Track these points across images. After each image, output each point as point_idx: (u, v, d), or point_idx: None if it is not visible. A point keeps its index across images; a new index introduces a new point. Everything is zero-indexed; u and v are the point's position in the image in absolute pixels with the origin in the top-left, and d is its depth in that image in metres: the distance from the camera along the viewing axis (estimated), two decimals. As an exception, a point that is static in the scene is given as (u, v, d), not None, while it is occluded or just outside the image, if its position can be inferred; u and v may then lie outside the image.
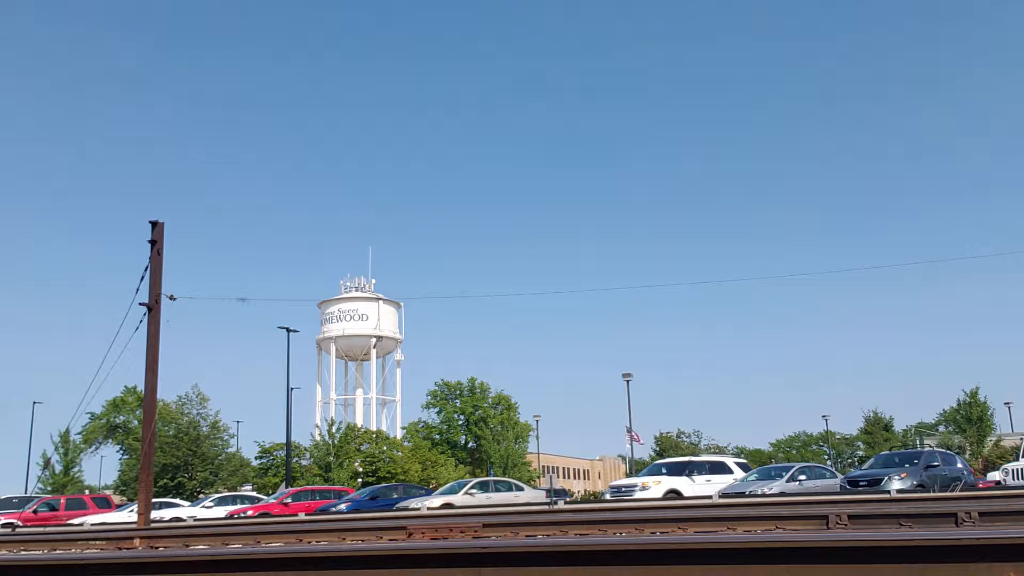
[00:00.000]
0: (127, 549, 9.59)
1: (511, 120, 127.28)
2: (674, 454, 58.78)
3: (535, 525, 9.77)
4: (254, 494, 40.09)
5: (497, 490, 29.43)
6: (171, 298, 23.87)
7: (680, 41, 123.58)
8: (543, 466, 71.01)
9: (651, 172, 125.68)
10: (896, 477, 21.53)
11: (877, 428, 71.38)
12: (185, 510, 32.70)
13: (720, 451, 64.16)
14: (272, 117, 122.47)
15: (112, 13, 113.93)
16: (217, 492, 42.72)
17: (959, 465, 24.84)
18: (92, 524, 25.43)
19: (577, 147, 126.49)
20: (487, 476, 45.92)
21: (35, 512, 31.27)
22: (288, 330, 42.57)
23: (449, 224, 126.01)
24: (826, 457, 75.93)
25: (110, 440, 57.92)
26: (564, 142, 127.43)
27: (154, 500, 24.66)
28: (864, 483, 22.12)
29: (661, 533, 8.06)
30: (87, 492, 48.44)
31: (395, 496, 29.53)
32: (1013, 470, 26.37)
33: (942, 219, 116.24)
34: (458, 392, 63.66)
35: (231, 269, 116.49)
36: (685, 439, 72.99)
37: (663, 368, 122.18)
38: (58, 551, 9.96)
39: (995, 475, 30.69)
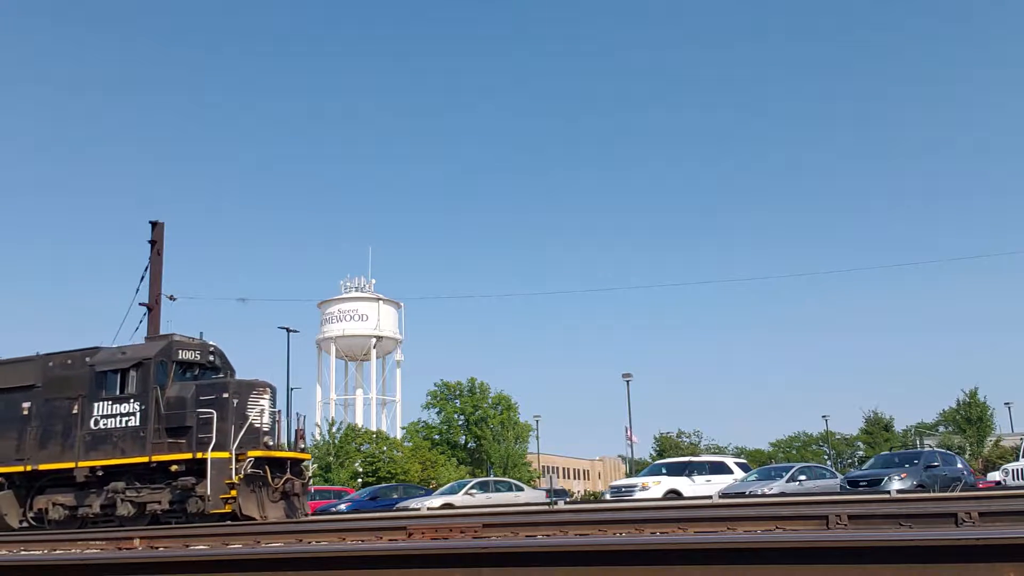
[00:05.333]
0: (127, 549, 9.59)
1: (511, 120, 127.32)
2: (674, 454, 58.71)
3: (535, 525, 9.76)
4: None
5: (497, 490, 29.40)
6: (171, 298, 23.91)
7: (680, 41, 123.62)
8: (543, 466, 70.98)
9: (652, 172, 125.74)
10: (896, 477, 21.53)
11: (877, 428, 71.28)
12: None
13: (720, 451, 64.07)
14: (272, 117, 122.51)
15: (112, 13, 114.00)
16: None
17: (959, 465, 24.84)
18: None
19: (577, 147, 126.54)
20: (487, 476, 45.89)
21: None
22: (288, 330, 42.57)
23: (449, 224, 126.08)
24: (826, 457, 75.83)
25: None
26: (564, 142, 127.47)
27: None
28: (864, 483, 22.12)
29: (661, 533, 8.06)
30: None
31: (395, 496, 29.51)
32: (1013, 470, 26.34)
33: (942, 219, 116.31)
34: (458, 392, 63.61)
35: (231, 269, 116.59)
36: (685, 439, 72.90)
37: (663, 368, 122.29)
38: (58, 551, 9.96)
39: (995, 475, 30.66)
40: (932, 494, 18.34)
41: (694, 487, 24.67)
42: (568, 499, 36.71)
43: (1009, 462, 31.14)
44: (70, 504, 17.78)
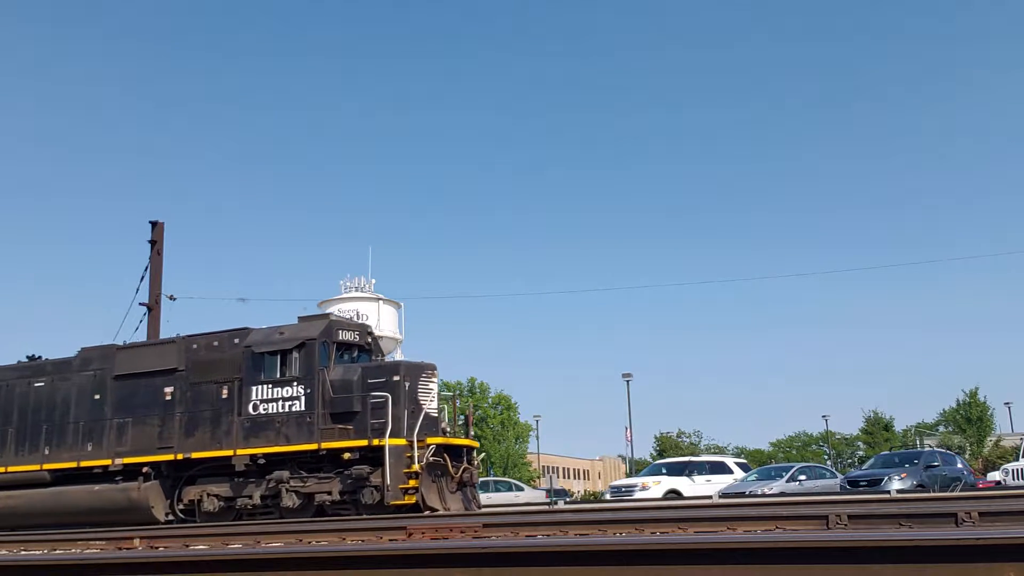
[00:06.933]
0: (127, 549, 9.59)
1: (511, 120, 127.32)
2: (674, 454, 58.70)
3: (535, 525, 9.75)
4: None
5: (497, 490, 29.40)
6: (171, 298, 23.94)
7: (680, 42, 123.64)
8: (543, 466, 70.97)
9: (651, 172, 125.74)
10: (896, 477, 21.54)
11: (877, 428, 71.30)
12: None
13: (720, 451, 64.09)
14: (273, 117, 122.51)
15: (112, 12, 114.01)
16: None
17: (959, 465, 24.86)
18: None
19: (577, 147, 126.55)
20: (487, 476, 45.85)
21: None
22: (288, 330, 42.33)
23: (449, 225, 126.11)
24: (826, 457, 75.85)
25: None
26: (564, 142, 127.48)
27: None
28: (864, 483, 22.13)
29: (661, 533, 8.05)
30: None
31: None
32: (1013, 470, 26.36)
33: (942, 219, 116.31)
34: (458, 392, 63.66)
35: (231, 269, 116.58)
36: (685, 439, 72.93)
37: (663, 368, 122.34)
38: (58, 551, 9.96)
39: (995, 475, 30.68)
40: (932, 494, 18.33)
41: (694, 487, 24.68)
42: (568, 499, 36.71)
43: (1009, 462, 31.15)
44: (226, 495, 16.75)
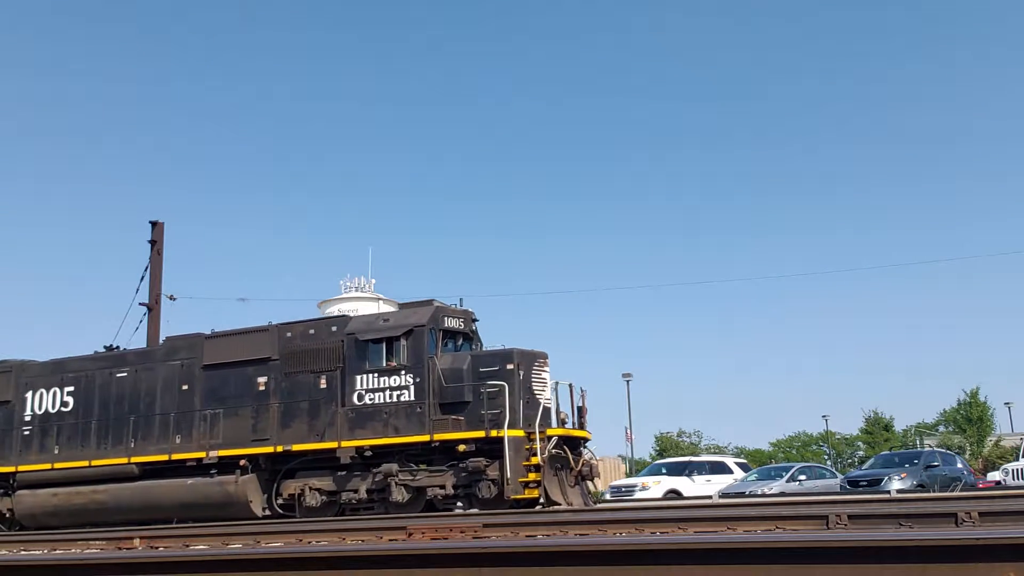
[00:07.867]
0: (127, 549, 9.60)
1: (511, 119, 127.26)
2: (674, 454, 58.63)
3: (535, 525, 9.77)
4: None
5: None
6: (171, 298, 23.95)
7: (678, 39, 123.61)
8: (543, 466, 70.77)
9: (651, 171, 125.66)
10: (896, 477, 21.55)
11: (877, 428, 71.25)
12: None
13: (720, 451, 64.00)
14: (272, 116, 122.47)
15: (112, 12, 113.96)
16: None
17: (959, 465, 24.89)
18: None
19: (577, 146, 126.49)
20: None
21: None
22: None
23: (449, 225, 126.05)
24: (826, 457, 75.78)
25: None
26: (565, 140, 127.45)
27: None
28: (864, 483, 22.14)
29: (661, 533, 8.06)
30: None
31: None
32: (1013, 470, 26.37)
33: (942, 219, 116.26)
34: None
35: (231, 269, 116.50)
36: (685, 439, 72.85)
37: (663, 368, 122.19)
38: (58, 551, 9.96)
39: (995, 475, 30.68)
40: (932, 494, 18.34)
41: (694, 487, 24.68)
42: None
43: (1009, 462, 31.15)
44: (329, 489, 16.14)
